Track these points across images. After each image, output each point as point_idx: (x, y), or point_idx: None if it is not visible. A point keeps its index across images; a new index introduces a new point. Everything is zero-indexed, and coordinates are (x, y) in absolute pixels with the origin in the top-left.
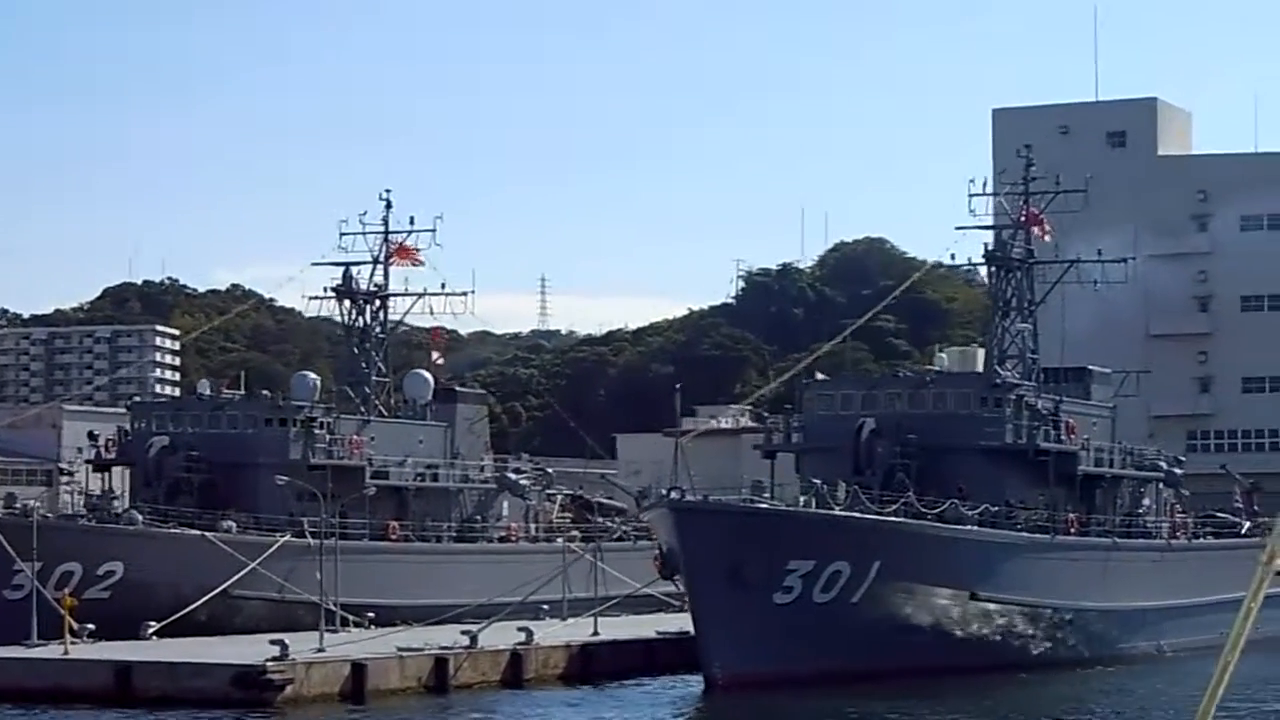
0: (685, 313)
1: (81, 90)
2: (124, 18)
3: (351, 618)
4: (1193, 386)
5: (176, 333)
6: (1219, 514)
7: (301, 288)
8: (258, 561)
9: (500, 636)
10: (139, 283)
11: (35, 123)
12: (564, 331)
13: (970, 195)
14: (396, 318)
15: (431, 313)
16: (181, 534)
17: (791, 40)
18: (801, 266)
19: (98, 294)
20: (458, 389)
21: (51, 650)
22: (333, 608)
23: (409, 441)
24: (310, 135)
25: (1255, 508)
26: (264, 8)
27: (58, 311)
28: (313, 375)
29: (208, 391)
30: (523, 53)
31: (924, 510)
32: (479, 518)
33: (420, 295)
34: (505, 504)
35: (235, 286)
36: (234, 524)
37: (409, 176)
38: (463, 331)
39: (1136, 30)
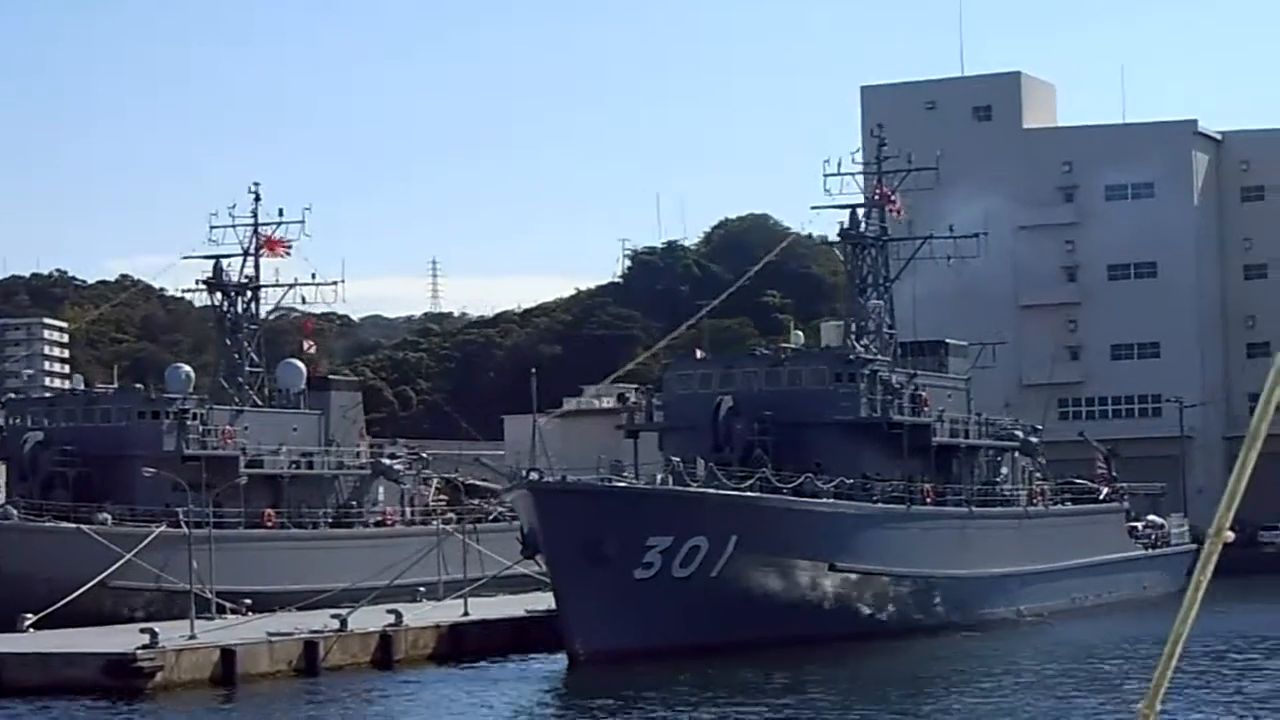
0: (573, 292)
1: None
2: None
3: (229, 605)
4: (1063, 355)
5: (65, 325)
6: (1077, 480)
7: (176, 279)
8: (134, 553)
9: (371, 619)
10: (27, 275)
11: None
12: (457, 314)
13: (825, 175)
14: (269, 308)
15: (304, 301)
16: (57, 527)
17: (666, 21)
18: (686, 244)
19: None
20: (331, 377)
21: None
22: (207, 596)
23: (283, 430)
24: (181, 126)
25: (1114, 474)
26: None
27: None
28: (186, 367)
29: (81, 386)
30: (396, 41)
31: (779, 485)
32: (354, 503)
33: (291, 286)
34: (381, 489)
35: (125, 277)
36: (110, 516)
37: (286, 168)
38: (355, 317)
39: (1001, 5)
